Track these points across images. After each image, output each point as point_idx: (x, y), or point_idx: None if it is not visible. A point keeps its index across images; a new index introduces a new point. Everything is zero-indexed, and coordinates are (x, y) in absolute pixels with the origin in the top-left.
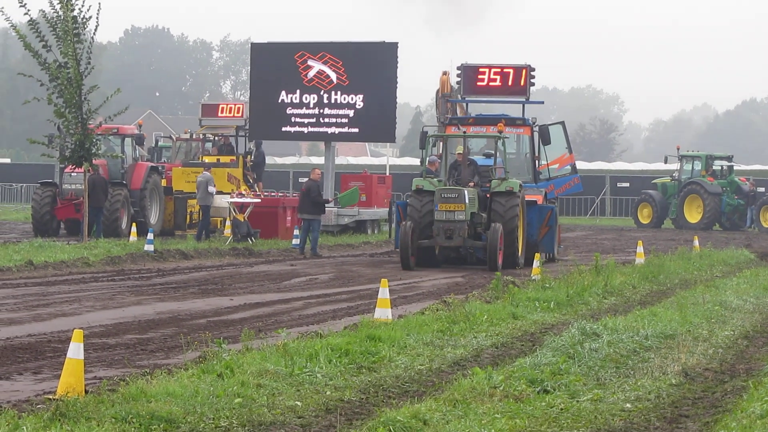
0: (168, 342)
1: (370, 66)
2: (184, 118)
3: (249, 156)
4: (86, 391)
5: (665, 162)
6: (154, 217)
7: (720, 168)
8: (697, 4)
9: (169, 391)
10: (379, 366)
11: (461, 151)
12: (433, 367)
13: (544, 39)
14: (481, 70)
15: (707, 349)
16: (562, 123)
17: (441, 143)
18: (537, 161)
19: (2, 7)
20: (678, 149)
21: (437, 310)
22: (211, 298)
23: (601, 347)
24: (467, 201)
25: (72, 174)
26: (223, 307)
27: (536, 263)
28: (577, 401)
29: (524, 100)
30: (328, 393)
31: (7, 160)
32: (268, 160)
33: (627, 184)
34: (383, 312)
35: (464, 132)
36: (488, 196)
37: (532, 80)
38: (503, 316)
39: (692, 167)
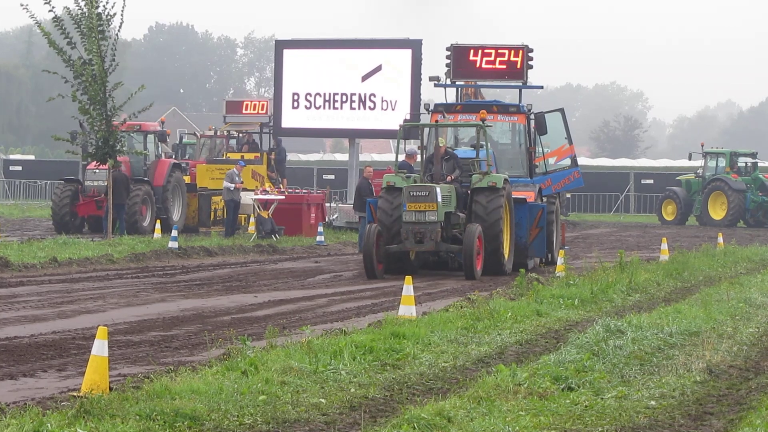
0: (192, 339)
1: (394, 62)
2: (209, 115)
3: (273, 153)
4: (111, 389)
5: (689, 159)
6: (176, 214)
7: (744, 165)
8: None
9: (194, 388)
10: (404, 363)
11: (442, 144)
12: (457, 365)
13: (570, 33)
14: (473, 51)
15: (732, 346)
16: (561, 110)
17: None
18: (533, 153)
19: (27, 5)
20: (702, 146)
21: (461, 307)
22: (236, 295)
23: (626, 344)
24: (440, 199)
25: (95, 171)
26: (247, 304)
27: (560, 260)
28: (602, 398)
29: (521, 84)
30: (352, 390)
31: (32, 157)
32: (292, 157)
33: (651, 181)
34: (407, 309)
35: (438, 120)
36: (469, 192)
37: (530, 62)
38: (527, 313)
39: (716, 164)
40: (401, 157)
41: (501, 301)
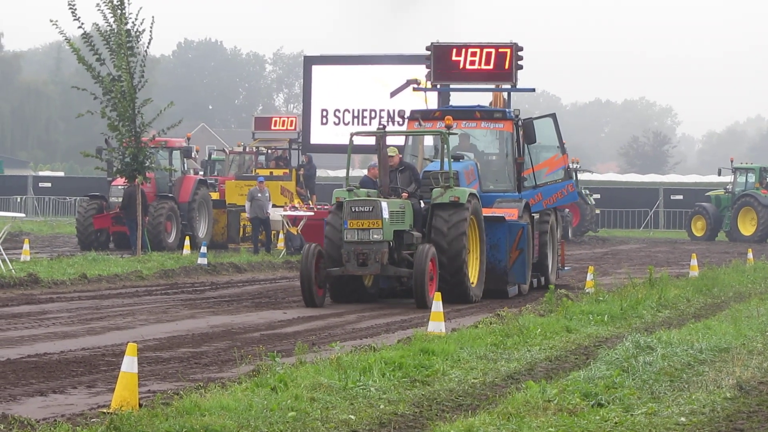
0: (222, 355)
1: (423, 77)
2: (237, 131)
3: (302, 169)
4: (140, 405)
5: (719, 174)
6: (202, 231)
7: None
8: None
9: (223, 404)
10: (433, 379)
11: (392, 154)
12: (486, 381)
13: (598, 48)
14: (456, 50)
15: (762, 362)
16: (553, 116)
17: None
18: (521, 164)
19: (56, 21)
20: (731, 161)
21: (491, 324)
22: (265, 311)
23: (655, 360)
24: (386, 215)
25: (119, 186)
26: (276, 320)
27: (589, 276)
28: (632, 415)
29: (510, 86)
30: (381, 407)
31: (61, 174)
32: (321, 173)
33: (680, 197)
34: (437, 325)
35: (379, 128)
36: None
37: (519, 62)
38: (557, 330)
39: (746, 179)
40: (363, 172)
41: (530, 317)
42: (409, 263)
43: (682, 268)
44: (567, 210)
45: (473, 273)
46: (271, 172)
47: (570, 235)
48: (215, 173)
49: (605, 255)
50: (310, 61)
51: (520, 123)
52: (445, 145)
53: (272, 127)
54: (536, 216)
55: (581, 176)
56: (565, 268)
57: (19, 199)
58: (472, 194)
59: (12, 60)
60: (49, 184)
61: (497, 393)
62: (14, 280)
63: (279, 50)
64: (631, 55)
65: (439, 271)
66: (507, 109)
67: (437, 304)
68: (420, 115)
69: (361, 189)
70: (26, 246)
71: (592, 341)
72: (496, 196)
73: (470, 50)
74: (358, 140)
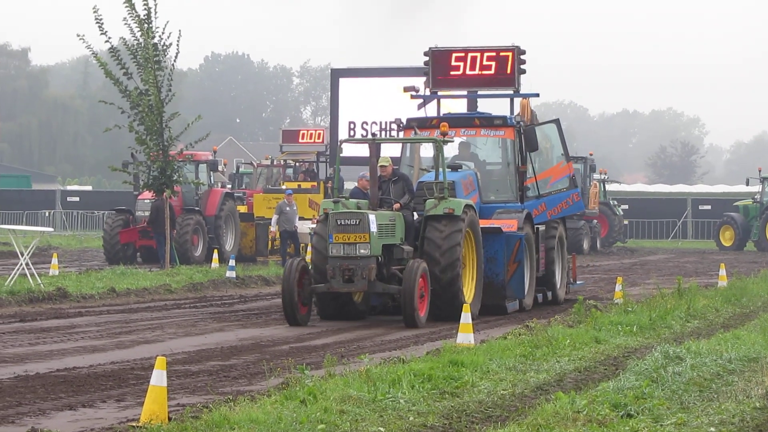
0: (251, 368)
1: None
2: (265, 144)
3: (329, 181)
4: (169, 419)
5: (747, 184)
6: (229, 244)
7: None
8: None
9: (252, 417)
10: (462, 391)
11: (385, 164)
12: (516, 392)
13: (626, 59)
14: (456, 55)
15: None
16: (556, 121)
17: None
18: (524, 173)
19: (83, 35)
20: (760, 171)
21: (520, 335)
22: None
23: (685, 371)
24: (374, 229)
25: (146, 200)
26: (305, 333)
27: (618, 287)
28: (661, 425)
29: (512, 92)
30: (411, 419)
31: (89, 188)
32: (349, 185)
33: (708, 207)
34: (465, 337)
35: (371, 136)
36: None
37: (522, 66)
38: (586, 340)
39: None
40: (353, 183)
41: (559, 328)
42: (400, 279)
43: (711, 278)
44: (595, 221)
45: (468, 289)
46: (299, 185)
47: (598, 245)
48: (243, 186)
49: (634, 265)
50: (337, 74)
51: (522, 130)
52: (440, 154)
53: (300, 140)
54: (541, 228)
55: (609, 187)
56: (577, 282)
57: (47, 214)
58: (468, 206)
59: (39, 75)
60: (77, 199)
61: (526, 404)
62: (43, 294)
63: (306, 63)
64: (658, 65)
65: (432, 287)
66: (508, 116)
67: (466, 316)
68: (416, 123)
69: (351, 200)
70: (55, 260)
71: (621, 352)
72: (497, 207)
73: (470, 55)
74: (353, 151)
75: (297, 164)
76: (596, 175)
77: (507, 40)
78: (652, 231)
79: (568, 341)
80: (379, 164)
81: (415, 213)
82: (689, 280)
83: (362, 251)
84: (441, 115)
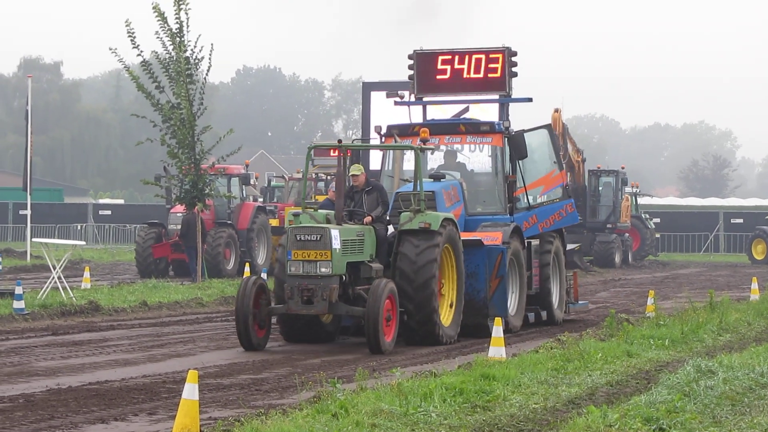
0: (282, 382)
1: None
2: (297, 158)
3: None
4: None
5: None
6: (261, 257)
7: None
8: None
9: (284, 431)
10: (494, 405)
11: (357, 172)
12: (547, 406)
13: (658, 72)
14: (442, 58)
15: None
16: (548, 127)
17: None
18: (513, 183)
19: (116, 49)
20: None
21: (551, 348)
22: None
23: (717, 385)
24: (336, 245)
25: (178, 214)
26: (336, 346)
27: (650, 300)
28: None
29: (502, 96)
30: None
31: (121, 201)
32: None
33: (741, 220)
34: (497, 350)
35: (338, 142)
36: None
37: (513, 68)
38: (618, 354)
39: None
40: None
41: (591, 341)
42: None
43: (743, 291)
44: (627, 234)
45: (445, 311)
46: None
47: (630, 259)
48: (275, 200)
49: (665, 279)
50: (368, 87)
51: (509, 136)
52: (418, 162)
53: (331, 154)
54: (535, 242)
55: (641, 200)
56: (579, 302)
57: (79, 227)
58: (447, 219)
59: (72, 88)
60: (109, 212)
61: (558, 418)
62: (75, 307)
63: (337, 76)
64: (690, 79)
65: (405, 307)
66: (495, 121)
67: (497, 329)
68: (397, 131)
69: (320, 211)
70: (87, 273)
71: (653, 365)
72: (484, 219)
73: (457, 57)
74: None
75: (328, 177)
76: (628, 189)
77: (531, 53)
78: (684, 244)
79: (600, 355)
80: (350, 173)
81: (390, 227)
82: (721, 293)
83: (323, 270)
84: (421, 122)
